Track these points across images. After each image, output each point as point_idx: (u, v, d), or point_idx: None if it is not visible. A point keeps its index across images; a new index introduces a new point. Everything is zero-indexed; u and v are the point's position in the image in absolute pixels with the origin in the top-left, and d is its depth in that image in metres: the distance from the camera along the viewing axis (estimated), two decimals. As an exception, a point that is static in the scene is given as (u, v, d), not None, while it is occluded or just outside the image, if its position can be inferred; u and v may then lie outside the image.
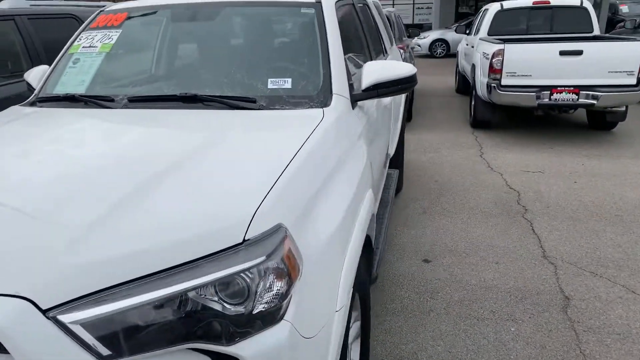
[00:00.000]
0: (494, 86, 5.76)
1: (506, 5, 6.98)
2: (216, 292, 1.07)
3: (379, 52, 3.52)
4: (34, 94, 2.34)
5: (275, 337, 1.10)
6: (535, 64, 5.58)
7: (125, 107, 2.03)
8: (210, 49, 2.28)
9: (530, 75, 5.62)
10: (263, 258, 1.09)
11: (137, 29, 2.39)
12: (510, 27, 6.95)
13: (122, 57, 2.32)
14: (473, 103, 6.59)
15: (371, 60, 3.00)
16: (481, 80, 6.14)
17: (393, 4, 27.60)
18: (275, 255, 1.12)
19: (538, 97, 5.63)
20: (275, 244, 1.13)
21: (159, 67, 2.30)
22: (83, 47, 2.41)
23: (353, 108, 2.13)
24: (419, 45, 17.11)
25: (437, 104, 8.63)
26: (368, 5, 3.65)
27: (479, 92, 6.25)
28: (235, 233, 1.12)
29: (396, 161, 3.99)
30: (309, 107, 1.95)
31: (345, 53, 2.47)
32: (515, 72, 5.65)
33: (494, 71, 5.73)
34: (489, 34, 7.07)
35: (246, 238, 1.12)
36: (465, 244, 3.47)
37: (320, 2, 2.32)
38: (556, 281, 2.96)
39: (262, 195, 1.22)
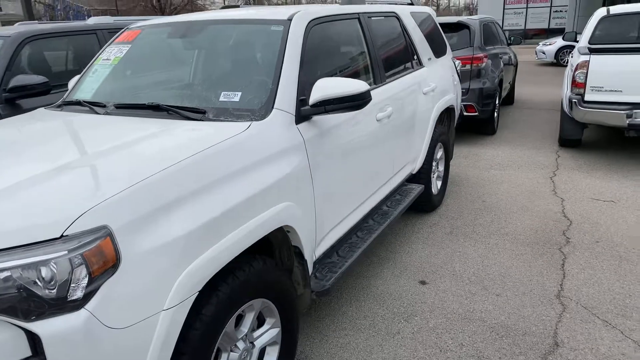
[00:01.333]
0: (576, 102, 5.17)
1: (613, 10, 6.16)
2: (37, 276, 1.28)
3: (400, 66, 3.46)
4: (62, 98, 2.82)
5: (71, 323, 1.27)
6: (627, 78, 4.88)
7: (108, 113, 2.36)
8: (186, 64, 2.52)
9: (621, 91, 4.93)
10: (64, 252, 1.27)
11: (140, 45, 2.73)
12: (617, 36, 6.12)
13: (124, 69, 2.67)
14: (560, 119, 5.97)
15: (374, 75, 3.00)
16: (566, 94, 5.55)
17: (527, 7, 25.70)
18: (81, 250, 1.29)
19: (629, 117, 4.92)
20: (86, 241, 1.31)
21: (144, 78, 2.60)
22: (103, 59, 2.83)
23: (298, 123, 2.19)
24: (544, 53, 15.73)
25: (534, 118, 7.94)
26: (398, 18, 3.59)
27: (565, 108, 5.65)
28: (57, 228, 1.31)
29: (424, 177, 3.86)
30: (248, 120, 2.07)
31: (325, 68, 2.55)
32: (602, 87, 5.01)
33: (577, 85, 5.15)
34: (590, 43, 6.33)
35: (65, 234, 1.31)
36: (475, 270, 3.25)
37: (290, 20, 2.42)
38: (555, 324, 2.65)
39: (101, 199, 1.40)
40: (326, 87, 2.18)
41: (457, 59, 6.09)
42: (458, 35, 6.35)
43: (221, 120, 2.09)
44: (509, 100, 9.18)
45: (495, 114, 6.94)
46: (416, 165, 3.75)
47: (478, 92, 6.18)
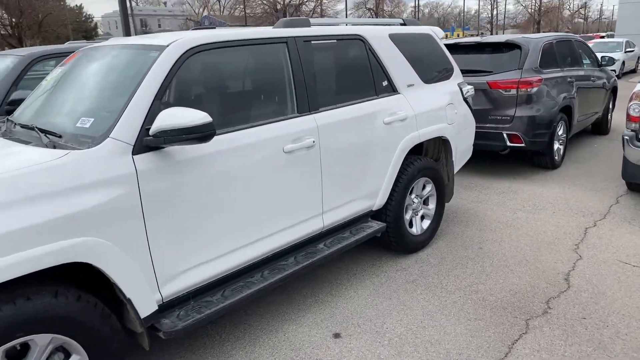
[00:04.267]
0: (628, 139, 4.24)
1: None
2: None
3: (351, 93, 3.16)
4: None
5: None
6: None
7: (5, 131, 2.52)
8: (75, 87, 2.58)
9: (688, 129, 3.93)
10: None
11: (67, 67, 2.86)
12: None
13: (44, 89, 2.83)
14: (623, 158, 4.96)
15: (298, 104, 2.80)
16: (624, 129, 4.59)
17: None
18: None
19: (698, 162, 3.89)
20: None
21: (40, 100, 2.72)
22: (46, 78, 3.03)
23: (138, 153, 2.10)
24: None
25: (613, 152, 6.72)
26: (363, 41, 3.29)
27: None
28: None
29: (392, 215, 3.46)
30: (82, 148, 2.05)
31: (211, 98, 2.44)
32: (662, 123, 4.04)
33: (631, 119, 4.23)
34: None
35: None
36: (404, 331, 2.81)
37: (167, 46, 2.35)
38: (447, 416, 2.16)
39: None
40: (167, 117, 2.07)
41: (495, 83, 5.42)
42: (507, 56, 5.64)
43: (65, 147, 2.09)
44: (600, 130, 7.93)
45: (559, 146, 6.02)
46: (376, 202, 3.38)
47: (527, 120, 5.41)
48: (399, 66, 3.52)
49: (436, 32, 4.03)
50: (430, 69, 3.85)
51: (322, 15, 42.27)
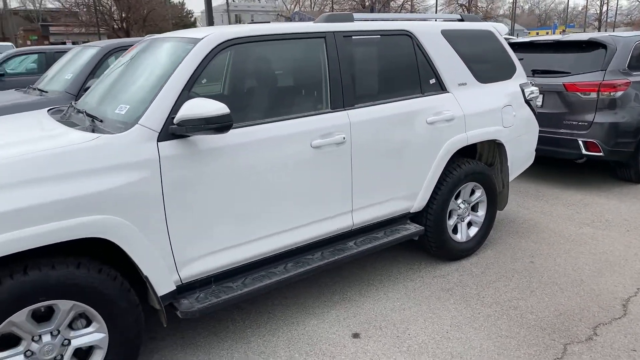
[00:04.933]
0: None
1: None
2: None
3: (395, 90, 3.07)
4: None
5: None
6: None
7: (65, 115, 2.79)
8: (126, 75, 2.76)
9: None
10: None
11: (126, 57, 3.08)
12: None
13: (102, 78, 3.07)
14: None
15: (332, 100, 2.79)
16: None
17: None
18: None
19: None
20: None
21: (98, 88, 2.93)
22: (109, 68, 3.29)
23: (162, 140, 2.22)
24: None
25: None
26: (411, 37, 3.18)
27: None
28: None
29: (432, 219, 3.33)
30: (115, 132, 2.21)
31: (243, 90, 2.50)
32: None
33: None
34: None
35: None
36: (427, 339, 2.70)
37: (201, 39, 2.44)
38: None
39: None
40: (190, 107, 2.16)
41: (572, 85, 4.97)
42: (589, 56, 5.13)
43: (102, 132, 2.26)
44: None
45: (648, 158, 5.40)
46: (415, 204, 3.27)
47: (608, 127, 4.91)
48: (450, 64, 3.36)
49: (498, 28, 3.78)
50: (488, 67, 3.63)
51: (412, 11, 41.37)
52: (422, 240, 3.47)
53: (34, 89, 4.73)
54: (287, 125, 2.59)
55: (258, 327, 2.86)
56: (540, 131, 5.23)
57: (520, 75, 3.84)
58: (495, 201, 3.73)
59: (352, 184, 2.89)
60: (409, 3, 43.62)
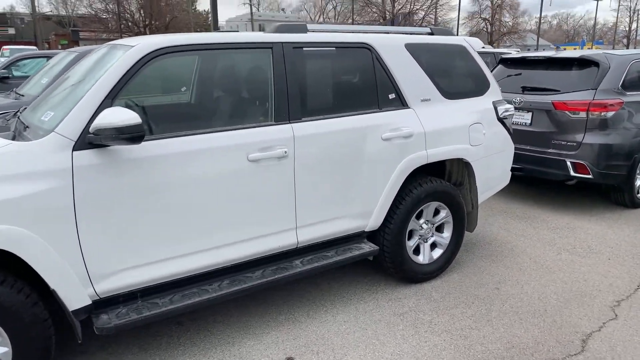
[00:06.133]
0: None
1: None
2: None
3: (345, 105, 2.96)
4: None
5: None
6: None
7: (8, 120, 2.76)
8: (59, 85, 2.73)
9: None
10: None
11: (76, 65, 3.06)
12: None
13: (56, 83, 3.05)
14: None
15: (276, 112, 2.71)
16: None
17: None
18: None
19: None
20: None
21: (45, 94, 2.91)
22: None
23: (78, 149, 2.15)
24: None
25: None
26: (370, 50, 3.07)
27: None
28: None
29: (389, 239, 3.19)
30: (34, 139, 2.15)
31: (169, 100, 2.43)
32: None
33: None
34: None
35: None
36: (356, 356, 2.55)
37: (133, 46, 2.38)
38: None
39: None
40: (105, 116, 2.09)
41: (561, 104, 4.77)
42: (580, 73, 4.92)
43: (21, 140, 2.21)
44: None
45: (642, 182, 5.14)
46: (369, 223, 3.13)
47: (597, 148, 4.68)
48: (412, 79, 3.23)
49: (471, 43, 3.64)
50: (457, 83, 3.49)
51: (435, 23, 41.16)
52: (379, 261, 3.33)
53: (15, 92, 4.78)
54: (220, 137, 2.50)
55: (192, 345, 2.76)
56: (528, 150, 5.08)
57: (493, 92, 3.68)
58: (462, 222, 3.57)
59: (295, 201, 2.78)
60: (432, 16, 43.47)
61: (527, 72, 5.32)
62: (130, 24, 31.92)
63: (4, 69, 8.60)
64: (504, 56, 5.71)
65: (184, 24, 32.88)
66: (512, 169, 5.17)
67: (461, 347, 2.73)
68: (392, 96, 3.16)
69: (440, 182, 3.36)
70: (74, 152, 2.15)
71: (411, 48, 3.28)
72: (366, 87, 3.07)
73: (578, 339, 2.82)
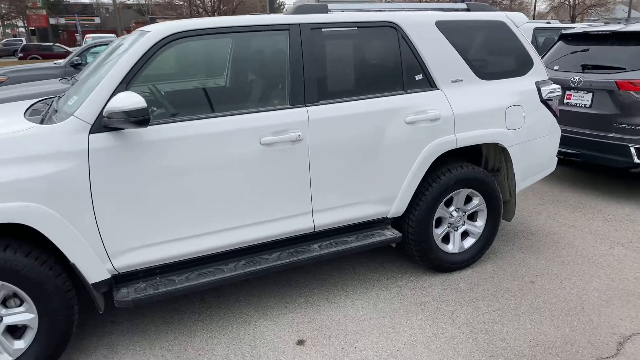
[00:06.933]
0: None
1: None
2: None
3: (368, 86, 2.87)
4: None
5: None
6: None
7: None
8: (94, 68, 2.86)
9: None
10: None
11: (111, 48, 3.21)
12: None
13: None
14: None
15: (292, 95, 2.70)
16: None
17: None
18: None
19: None
20: None
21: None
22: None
23: (94, 132, 2.26)
24: None
25: None
26: (396, 29, 2.94)
27: None
28: None
29: (414, 226, 3.09)
30: (57, 123, 2.30)
31: (187, 85, 2.48)
32: None
33: None
34: None
35: None
36: (370, 354, 2.52)
37: (149, 32, 2.45)
38: None
39: None
40: (116, 100, 2.18)
41: (625, 83, 4.31)
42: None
43: (48, 122, 2.38)
44: None
45: None
46: (392, 209, 3.05)
47: (667, 133, 4.22)
48: (442, 58, 3.07)
49: (513, 18, 3.37)
50: (495, 63, 3.26)
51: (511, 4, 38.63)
52: (404, 249, 3.25)
53: (74, 78, 5.11)
54: (232, 120, 2.53)
55: (211, 321, 2.86)
56: (587, 135, 4.68)
57: (537, 72, 3.40)
58: (498, 211, 3.37)
59: (310, 185, 2.76)
60: (507, -10, 40.78)
61: (589, 49, 4.86)
62: (200, 9, 33.03)
63: (77, 56, 9.23)
64: (564, 31, 5.24)
65: (252, 8, 33.46)
66: (569, 155, 4.82)
67: (480, 342, 2.61)
68: (419, 77, 3.02)
69: (472, 168, 3.19)
70: (91, 135, 2.27)
71: (442, 26, 3.10)
72: (390, 68, 2.95)
73: (614, 341, 2.59)
